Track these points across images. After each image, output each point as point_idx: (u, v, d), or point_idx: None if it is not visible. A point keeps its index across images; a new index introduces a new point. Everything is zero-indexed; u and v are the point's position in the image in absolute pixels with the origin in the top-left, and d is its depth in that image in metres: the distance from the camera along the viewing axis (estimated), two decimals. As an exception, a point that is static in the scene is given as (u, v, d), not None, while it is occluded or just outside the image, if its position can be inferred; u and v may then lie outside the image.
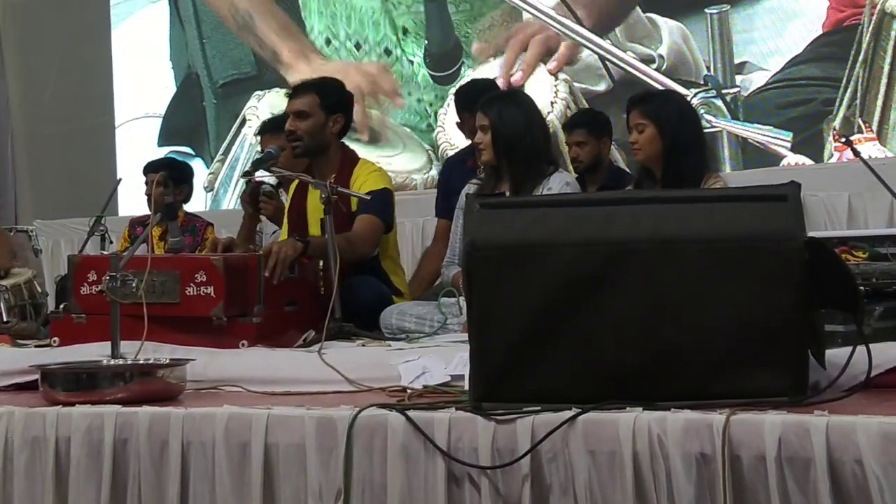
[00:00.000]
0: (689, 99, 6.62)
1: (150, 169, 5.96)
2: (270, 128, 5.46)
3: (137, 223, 6.07)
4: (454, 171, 5.38)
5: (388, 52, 7.73)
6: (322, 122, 4.58)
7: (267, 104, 7.94)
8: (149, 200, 5.35)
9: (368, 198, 4.30)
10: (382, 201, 4.45)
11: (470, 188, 4.56)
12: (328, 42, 7.92)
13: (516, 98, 4.63)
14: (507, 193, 4.37)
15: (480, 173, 4.78)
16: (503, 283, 2.61)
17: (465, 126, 5.17)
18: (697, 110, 6.28)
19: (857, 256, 3.29)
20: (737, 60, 6.75)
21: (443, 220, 5.35)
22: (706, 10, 6.81)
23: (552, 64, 7.16)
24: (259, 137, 5.83)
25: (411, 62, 7.66)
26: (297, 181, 4.69)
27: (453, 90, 5.91)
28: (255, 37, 8.12)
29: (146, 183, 5.72)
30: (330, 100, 4.61)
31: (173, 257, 4.07)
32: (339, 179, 4.44)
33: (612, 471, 2.43)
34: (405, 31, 7.66)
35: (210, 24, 8.45)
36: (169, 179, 5.89)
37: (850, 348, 2.63)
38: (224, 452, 2.78)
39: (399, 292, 4.63)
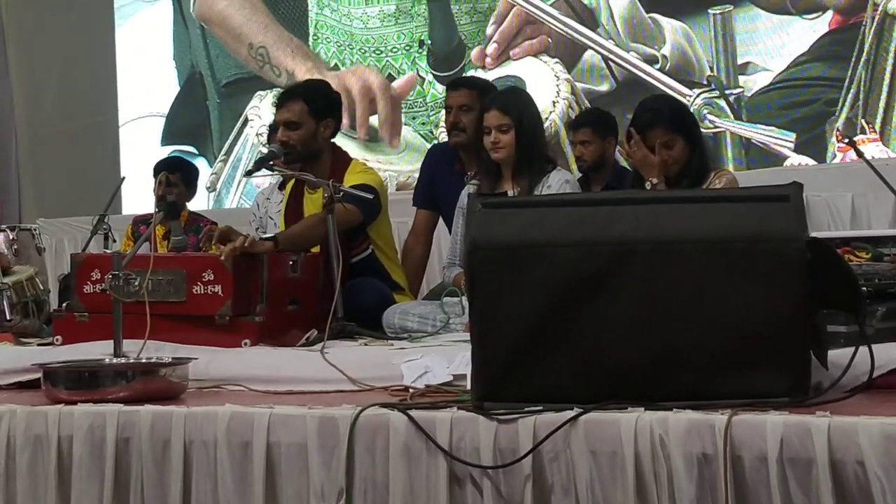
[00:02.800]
0: (692, 100, 6.64)
1: (160, 167, 5.97)
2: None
3: (141, 221, 6.08)
4: (439, 162, 5.26)
5: (391, 78, 7.74)
6: (313, 130, 4.55)
7: (269, 104, 7.94)
8: (172, 204, 5.33)
9: (371, 196, 4.29)
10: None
11: (471, 188, 4.56)
12: (336, 68, 7.93)
13: (527, 96, 4.65)
14: (512, 192, 4.38)
15: (468, 180, 4.78)
16: (505, 283, 2.61)
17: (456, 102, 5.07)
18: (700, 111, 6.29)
19: (860, 257, 3.29)
20: (740, 61, 6.75)
21: (422, 210, 5.29)
22: (709, 11, 6.82)
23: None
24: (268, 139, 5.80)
25: (422, 79, 7.65)
26: (292, 181, 4.68)
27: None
28: (272, 66, 8.12)
29: (158, 182, 5.73)
30: (318, 105, 4.57)
31: (181, 256, 4.07)
32: (333, 181, 4.41)
33: (614, 471, 2.43)
34: (421, 44, 7.65)
35: (213, 23, 8.47)
36: (180, 181, 5.92)
37: (852, 349, 2.63)
38: (226, 451, 2.78)
39: (398, 286, 4.62)
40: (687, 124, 4.13)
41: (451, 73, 7.44)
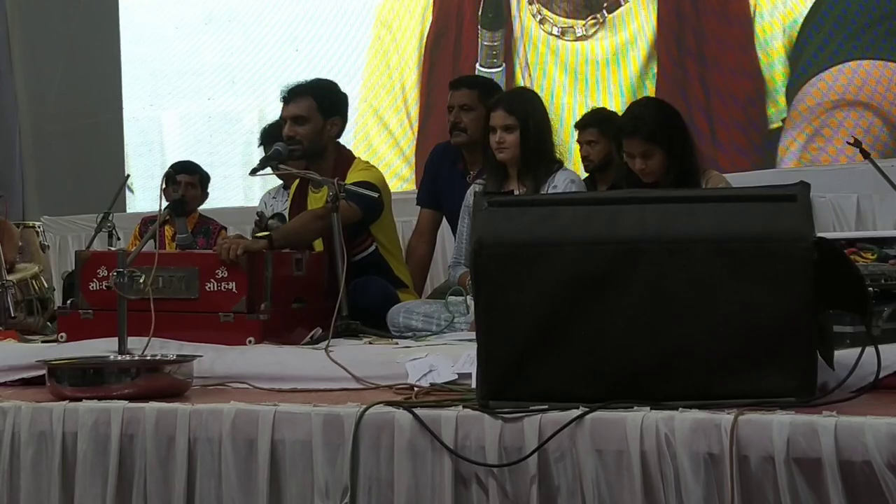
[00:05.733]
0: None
1: (177, 169, 5.96)
2: (274, 135, 5.33)
3: (150, 221, 6.07)
4: (442, 162, 5.23)
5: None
6: (320, 127, 4.52)
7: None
8: (179, 201, 5.30)
9: (376, 195, 4.28)
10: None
11: (477, 188, 4.55)
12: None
13: (534, 97, 4.65)
14: (518, 192, 4.37)
15: (471, 179, 4.77)
16: (511, 281, 2.61)
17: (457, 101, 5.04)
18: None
19: (866, 258, 3.28)
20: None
21: (426, 209, 5.29)
22: None
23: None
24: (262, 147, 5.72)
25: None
26: (298, 180, 4.67)
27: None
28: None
29: (177, 183, 5.71)
30: (326, 103, 4.54)
31: (195, 253, 4.06)
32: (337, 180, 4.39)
33: (620, 470, 2.43)
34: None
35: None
36: (198, 183, 5.93)
37: (858, 349, 2.63)
38: (231, 449, 2.78)
39: (402, 283, 4.61)
40: (669, 134, 4.10)
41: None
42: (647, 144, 4.08)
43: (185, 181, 5.87)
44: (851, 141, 4.87)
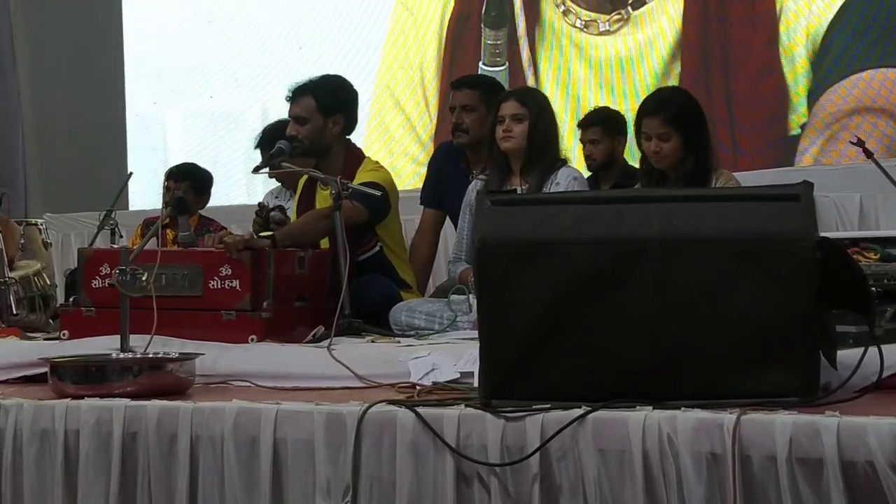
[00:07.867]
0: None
1: (170, 173, 5.96)
2: (271, 138, 5.30)
3: (151, 223, 6.06)
4: (446, 160, 5.21)
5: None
6: (321, 126, 4.51)
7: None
8: (180, 200, 5.29)
9: (379, 193, 4.28)
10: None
11: (478, 184, 4.55)
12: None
13: (546, 98, 4.65)
14: (521, 188, 4.37)
15: (472, 177, 4.77)
16: (514, 280, 2.61)
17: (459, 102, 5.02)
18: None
19: (869, 258, 3.28)
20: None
21: (429, 209, 5.28)
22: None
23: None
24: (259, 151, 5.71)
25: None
26: (304, 178, 4.67)
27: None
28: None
29: (165, 188, 5.72)
30: (327, 101, 4.53)
31: (197, 251, 4.06)
32: (344, 179, 4.39)
33: (622, 469, 2.43)
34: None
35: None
36: (190, 188, 5.91)
37: (861, 349, 2.63)
38: (233, 447, 2.78)
39: (406, 284, 4.61)
40: (688, 123, 4.10)
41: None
42: (666, 126, 4.06)
43: (171, 187, 5.85)
44: (854, 140, 4.86)
